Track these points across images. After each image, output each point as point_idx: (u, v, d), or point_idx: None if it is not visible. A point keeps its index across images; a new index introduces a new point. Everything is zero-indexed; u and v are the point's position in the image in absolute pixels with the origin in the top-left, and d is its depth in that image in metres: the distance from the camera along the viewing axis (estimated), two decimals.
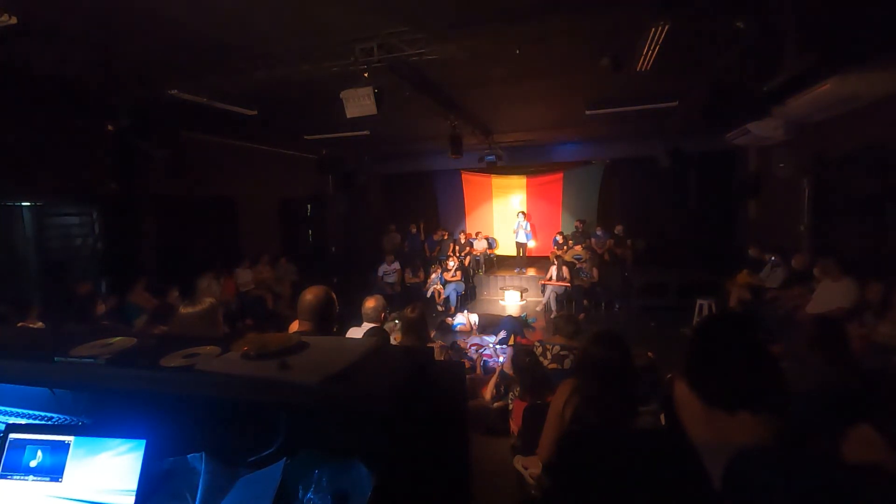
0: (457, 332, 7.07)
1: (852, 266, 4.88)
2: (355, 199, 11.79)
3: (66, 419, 1.16)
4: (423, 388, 1.08)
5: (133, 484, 0.99)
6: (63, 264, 5.69)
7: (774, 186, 7.68)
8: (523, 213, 10.84)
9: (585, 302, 8.43)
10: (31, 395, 1.18)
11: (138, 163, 5.82)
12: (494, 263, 11.29)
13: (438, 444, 1.10)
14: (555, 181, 11.63)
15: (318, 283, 2.42)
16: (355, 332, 3.14)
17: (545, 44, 3.97)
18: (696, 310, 7.10)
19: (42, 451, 1.03)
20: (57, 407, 1.17)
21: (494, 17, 3.53)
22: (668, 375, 2.78)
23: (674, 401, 0.93)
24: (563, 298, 8.34)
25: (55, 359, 1.13)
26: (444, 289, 8.97)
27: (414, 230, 11.39)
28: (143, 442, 1.01)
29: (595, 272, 8.66)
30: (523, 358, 3.17)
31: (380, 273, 9.43)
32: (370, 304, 3.22)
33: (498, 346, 5.73)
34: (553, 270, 8.44)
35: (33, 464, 1.02)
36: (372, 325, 3.16)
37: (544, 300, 8.48)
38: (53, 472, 1.01)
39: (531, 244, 10.92)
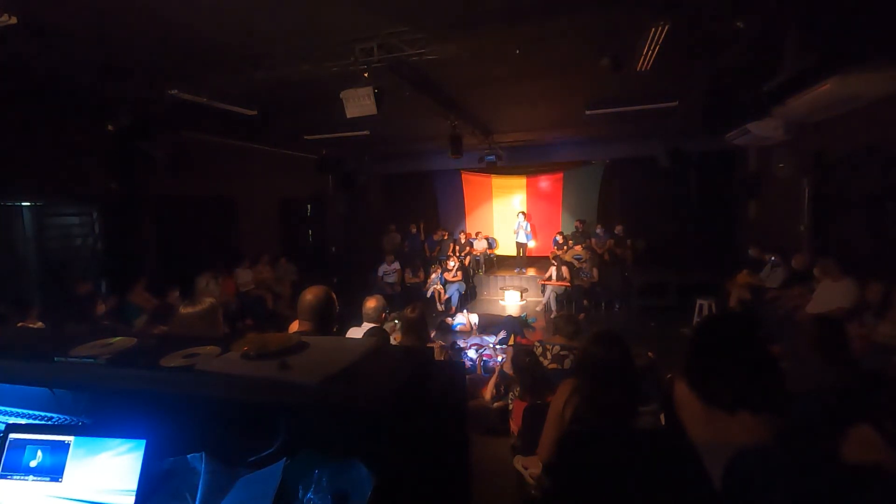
0: (457, 332, 7.07)
1: (852, 266, 4.88)
2: (355, 199, 11.79)
3: (66, 419, 1.16)
4: (423, 388, 1.08)
5: (133, 484, 0.99)
6: (63, 264, 5.69)
7: (774, 186, 7.68)
8: (523, 213, 10.84)
9: (585, 302, 8.43)
10: (31, 395, 1.18)
11: (138, 163, 5.81)
12: (494, 263, 11.29)
13: (438, 444, 1.10)
14: (555, 181, 11.63)
15: (318, 283, 2.42)
16: (355, 332, 3.14)
17: (545, 44, 3.97)
18: (696, 310, 7.10)
19: (42, 451, 1.03)
20: (57, 407, 1.17)
21: (494, 17, 3.53)
22: (668, 375, 2.78)
23: (674, 401, 0.93)
24: (563, 298, 8.34)
25: (55, 359, 1.13)
26: (446, 289, 8.97)
27: (414, 230, 11.39)
28: (143, 442, 1.01)
29: (595, 272, 8.66)
30: (523, 358, 3.16)
31: (380, 273, 9.43)
32: (371, 304, 3.22)
33: (498, 346, 5.73)
34: (553, 270, 8.44)
35: (33, 464, 1.02)
36: (372, 325, 3.16)
37: (544, 300, 8.48)
38: (53, 472, 1.01)
39: (531, 244, 10.92)
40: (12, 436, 1.05)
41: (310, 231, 11.13)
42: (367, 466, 0.92)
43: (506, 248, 11.71)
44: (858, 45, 4.05)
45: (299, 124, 7.41)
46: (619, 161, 10.74)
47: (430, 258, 10.55)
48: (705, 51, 4.09)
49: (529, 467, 2.37)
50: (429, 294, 9.01)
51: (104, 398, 1.16)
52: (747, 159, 8.92)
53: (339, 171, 10.65)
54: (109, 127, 5.18)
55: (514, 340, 5.96)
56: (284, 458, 0.97)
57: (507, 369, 3.66)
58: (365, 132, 7.54)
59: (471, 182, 12.30)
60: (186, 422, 1.07)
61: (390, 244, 10.95)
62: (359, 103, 4.31)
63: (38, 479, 1.01)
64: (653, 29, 3.44)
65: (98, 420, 1.14)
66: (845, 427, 1.38)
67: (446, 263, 9.41)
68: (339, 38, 3.91)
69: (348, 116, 4.46)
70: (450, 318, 7.59)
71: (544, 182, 11.75)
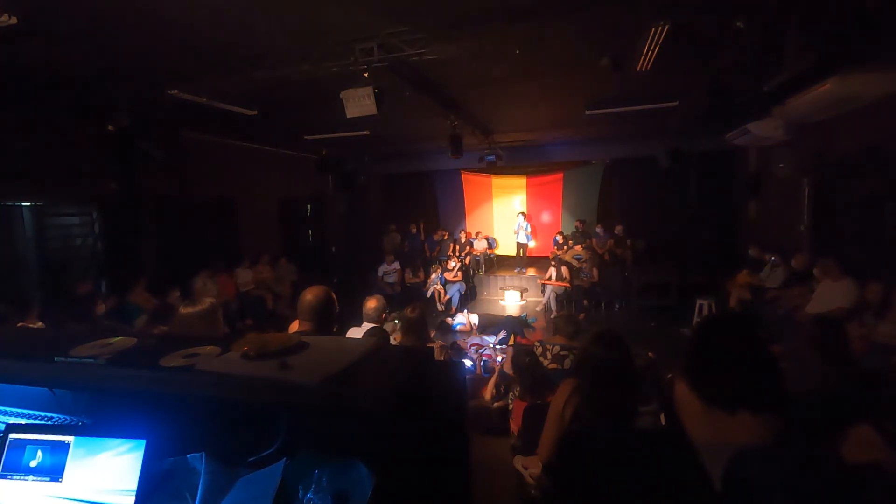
0: (457, 332, 7.07)
1: (852, 266, 4.88)
2: (355, 199, 11.80)
3: (66, 419, 1.16)
4: (423, 388, 1.08)
5: (133, 484, 0.99)
6: (63, 264, 5.70)
7: (774, 186, 7.68)
8: (523, 213, 10.84)
9: (585, 302, 8.43)
10: (31, 395, 1.18)
11: (138, 163, 5.81)
12: (494, 263, 11.30)
13: (438, 444, 1.10)
14: (555, 181, 11.63)
15: (318, 283, 2.42)
16: (355, 332, 3.14)
17: (545, 44, 3.97)
18: (696, 310, 7.10)
19: (42, 451, 1.03)
20: (57, 407, 1.17)
21: (494, 17, 3.53)
22: (668, 375, 2.79)
23: (674, 401, 0.93)
24: (563, 298, 8.34)
25: (55, 359, 1.13)
26: (446, 289, 8.97)
27: (414, 230, 11.39)
28: (143, 442, 1.01)
29: (595, 272, 8.66)
30: (523, 358, 3.16)
31: (380, 273, 9.43)
32: (371, 304, 3.22)
33: (498, 346, 5.73)
34: (553, 270, 8.44)
35: (33, 464, 1.02)
36: (372, 325, 3.16)
37: (544, 300, 8.48)
38: (53, 472, 1.01)
39: (531, 244, 10.93)
40: (12, 436, 1.05)
41: (310, 231, 11.13)
42: (367, 466, 0.92)
43: (506, 248, 11.71)
44: (858, 45, 4.04)
45: (299, 124, 7.41)
46: (619, 161, 10.74)
47: (430, 258, 10.55)
48: (705, 51, 4.10)
49: (529, 467, 2.37)
50: (429, 294, 9.01)
51: (104, 398, 1.16)
52: (747, 159, 8.92)
53: (339, 171, 10.65)
54: (109, 127, 5.18)
55: (514, 340, 5.96)
56: (284, 458, 0.97)
57: (507, 369, 3.66)
58: (365, 132, 7.54)
59: (471, 182, 12.30)
60: (186, 422, 1.07)
61: (390, 244, 10.95)
62: (359, 103, 4.31)
63: (38, 479, 1.01)
64: (653, 29, 3.45)
65: (98, 420, 1.14)
66: (845, 427, 1.38)
67: (446, 263, 9.41)
68: (339, 38, 3.91)
69: (348, 116, 4.46)
70: (450, 318, 7.59)
71: (544, 182, 11.75)
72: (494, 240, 11.91)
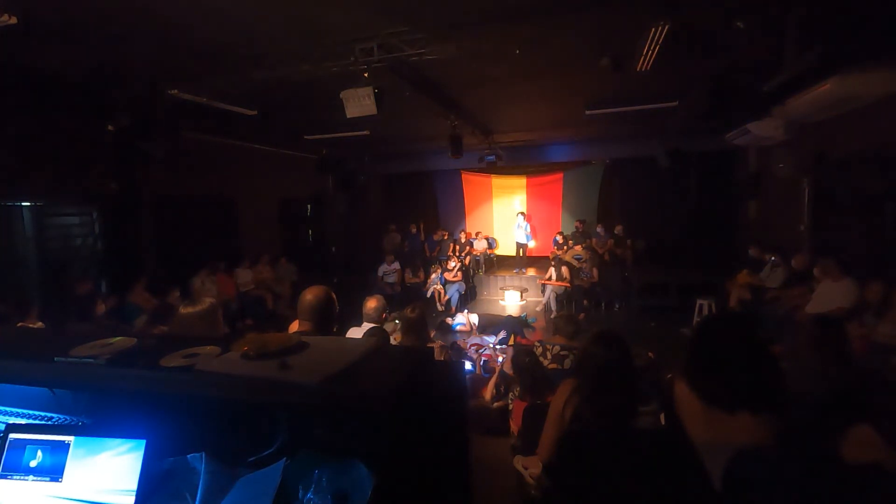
0: (457, 332, 7.07)
1: (852, 266, 4.88)
2: (355, 199, 11.79)
3: (66, 419, 1.16)
4: (423, 388, 1.08)
5: (133, 484, 0.99)
6: (63, 264, 5.70)
7: (774, 186, 7.68)
8: (523, 213, 10.84)
9: (585, 302, 8.43)
10: (31, 395, 1.18)
11: (138, 163, 5.81)
12: (494, 263, 11.29)
13: (438, 444, 1.10)
14: (555, 181, 11.63)
15: (318, 283, 2.42)
16: (355, 332, 3.14)
17: (545, 44, 3.98)
18: (696, 310, 7.10)
19: (42, 451, 1.03)
20: (57, 407, 1.17)
21: (494, 17, 3.53)
22: (668, 375, 2.79)
23: (674, 401, 0.93)
24: (563, 298, 8.34)
25: (55, 359, 1.13)
26: (446, 289, 8.97)
27: (414, 230, 11.39)
28: (143, 442, 1.01)
29: (595, 272, 8.65)
30: (523, 358, 3.16)
31: (380, 273, 9.43)
32: (371, 304, 3.22)
33: (498, 346, 5.73)
34: (553, 270, 8.44)
35: (33, 464, 1.02)
36: (372, 325, 3.16)
37: (544, 300, 8.48)
38: (53, 472, 1.01)
39: (531, 244, 10.92)
40: (12, 436, 1.05)
41: (310, 231, 11.13)
42: (367, 466, 0.92)
43: (506, 248, 11.71)
44: (858, 45, 4.05)
45: (299, 124, 7.42)
46: (619, 161, 10.74)
47: (430, 258, 10.55)
48: (705, 51, 4.09)
49: (529, 467, 2.37)
50: (429, 294, 9.01)
51: (104, 398, 1.16)
52: (747, 159, 8.91)
53: (339, 171, 10.64)
54: (109, 127, 5.18)
55: (514, 340, 5.96)
56: (284, 458, 0.97)
57: (507, 369, 3.66)
58: (365, 132, 7.54)
59: (471, 182, 12.30)
60: (186, 422, 1.07)
61: (390, 244, 10.95)
62: (359, 103, 4.31)
63: (38, 479, 1.01)
64: (653, 29, 3.44)
65: (98, 420, 1.14)
66: (845, 427, 1.38)
67: (446, 263, 9.41)
68: (339, 38, 3.91)
69: (348, 116, 4.46)
70: (450, 318, 7.59)
71: (544, 182, 11.75)
72: (494, 240, 11.90)
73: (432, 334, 4.26)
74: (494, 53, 4.15)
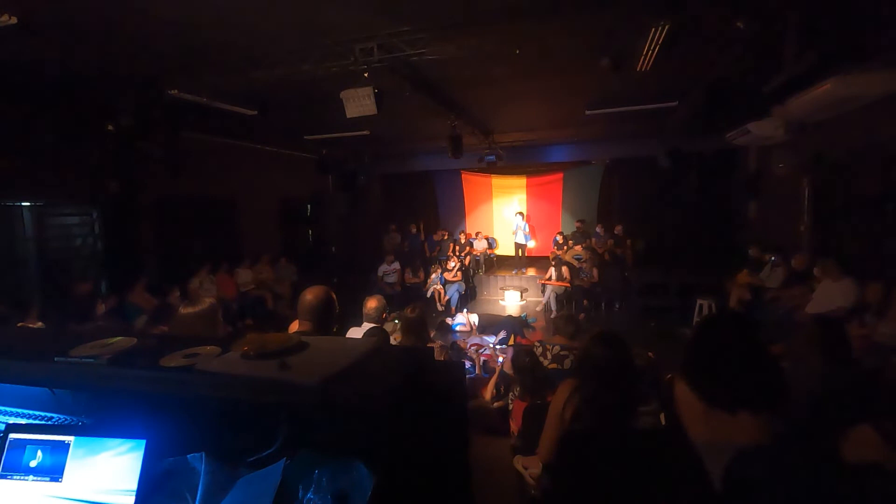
0: (457, 332, 7.07)
1: (852, 266, 4.88)
2: (355, 199, 11.78)
3: (66, 419, 1.16)
4: (423, 389, 1.08)
5: (133, 484, 0.99)
6: (63, 264, 5.70)
7: (774, 186, 7.67)
8: (521, 213, 10.84)
9: (585, 302, 8.43)
10: (31, 395, 1.18)
11: (138, 163, 5.81)
12: (494, 263, 11.29)
13: (438, 444, 1.10)
14: (555, 181, 11.63)
15: (318, 283, 2.42)
16: (355, 332, 3.14)
17: (545, 44, 3.97)
18: (696, 310, 7.10)
19: (42, 451, 1.03)
20: (57, 407, 1.17)
21: (494, 17, 3.53)
22: (668, 375, 2.78)
23: (674, 401, 0.93)
24: (563, 298, 8.34)
25: (55, 359, 1.13)
26: (446, 289, 8.97)
27: (414, 230, 11.39)
28: (143, 442, 1.01)
29: (595, 272, 8.65)
30: (523, 358, 3.16)
31: (380, 273, 9.43)
32: (372, 304, 3.22)
33: (498, 346, 5.73)
34: (553, 270, 8.44)
35: (33, 464, 1.02)
36: (372, 325, 3.16)
37: (544, 300, 8.47)
38: (53, 472, 1.01)
39: (530, 244, 10.92)
40: (12, 436, 1.05)
41: (310, 231, 11.13)
42: (367, 466, 0.92)
43: (506, 248, 11.71)
44: (858, 45, 4.05)
45: (299, 124, 7.42)
46: (619, 161, 10.74)
47: (430, 258, 10.55)
48: (705, 51, 4.10)
49: (529, 467, 2.37)
50: (429, 294, 9.01)
51: (104, 398, 1.16)
52: (747, 159, 8.91)
53: (339, 171, 10.64)
54: (109, 127, 5.18)
55: (514, 340, 5.96)
56: (284, 458, 0.97)
57: (507, 369, 3.66)
58: (365, 132, 7.54)
59: (471, 182, 12.30)
60: (186, 422, 1.07)
61: (390, 244, 10.95)
62: (359, 103, 4.31)
63: (38, 479, 1.01)
64: (653, 29, 3.44)
65: (98, 420, 1.14)
66: (845, 427, 1.38)
67: (446, 263, 9.41)
68: (339, 38, 3.91)
69: (348, 116, 4.47)
70: (450, 319, 7.59)
71: (544, 182, 11.75)
72: (494, 240, 11.91)
73: (432, 334, 4.26)
74: (494, 53, 4.15)
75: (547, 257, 9.83)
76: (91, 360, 1.12)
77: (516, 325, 6.58)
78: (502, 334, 6.15)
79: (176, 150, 5.84)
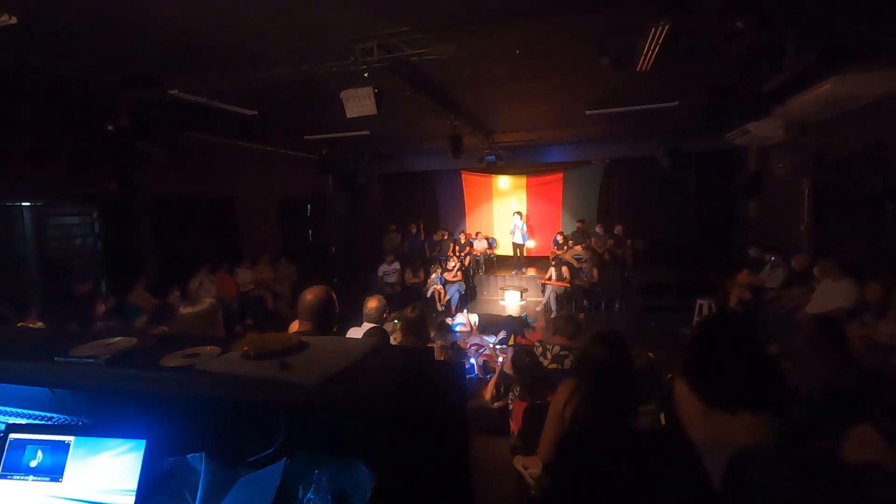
0: (457, 332, 7.07)
1: (852, 266, 4.88)
2: (355, 199, 11.79)
3: (66, 419, 1.16)
4: (423, 388, 1.08)
5: (133, 484, 0.98)
6: (63, 264, 5.69)
7: (774, 186, 7.68)
8: (520, 213, 10.84)
9: (585, 302, 8.44)
10: (31, 395, 1.18)
11: (138, 163, 5.81)
12: (494, 263, 11.29)
13: (438, 444, 1.10)
14: (555, 181, 11.63)
15: (318, 283, 2.42)
16: (355, 332, 3.14)
17: (545, 44, 3.97)
18: (696, 310, 7.10)
19: (42, 451, 1.03)
20: (57, 407, 1.17)
21: (494, 17, 3.53)
22: (668, 375, 2.79)
23: (674, 401, 0.93)
24: (563, 298, 8.34)
25: (55, 359, 1.13)
26: (446, 289, 8.97)
27: (414, 230, 11.39)
28: (143, 442, 1.01)
29: (595, 272, 8.65)
30: (523, 358, 3.16)
31: (380, 273, 9.43)
32: (372, 304, 3.22)
33: (498, 347, 5.73)
34: (553, 270, 8.45)
35: (33, 464, 1.02)
36: (372, 325, 3.16)
37: (544, 300, 8.48)
38: (53, 472, 1.01)
39: (529, 244, 10.92)
40: (12, 436, 1.05)
41: (310, 231, 11.13)
42: (367, 466, 0.92)
43: (506, 248, 11.72)
44: (858, 45, 4.05)
45: (299, 124, 7.41)
46: (619, 161, 10.74)
47: (430, 258, 10.55)
48: (705, 50, 4.09)
49: (529, 467, 2.37)
50: (429, 294, 9.01)
51: (104, 398, 1.16)
52: (747, 159, 8.92)
53: (339, 171, 10.64)
54: (109, 127, 5.18)
55: (514, 340, 5.95)
56: (284, 458, 0.97)
57: (507, 369, 3.66)
58: (365, 132, 7.54)
59: (471, 182, 12.30)
60: (186, 422, 1.07)
61: (390, 244, 10.95)
62: (359, 103, 4.31)
63: (38, 479, 1.01)
64: (653, 29, 3.45)
65: (98, 420, 1.14)
66: (845, 427, 1.38)
67: (446, 263, 9.41)
68: (339, 38, 3.91)
69: (348, 116, 4.46)
70: (450, 319, 7.59)
71: (544, 182, 11.75)
72: (494, 240, 11.91)
73: (432, 334, 4.26)
74: (494, 53, 4.15)
75: (547, 257, 9.83)
76: (91, 360, 1.12)
77: (516, 325, 6.58)
78: (502, 334, 6.15)
79: (176, 150, 5.84)
